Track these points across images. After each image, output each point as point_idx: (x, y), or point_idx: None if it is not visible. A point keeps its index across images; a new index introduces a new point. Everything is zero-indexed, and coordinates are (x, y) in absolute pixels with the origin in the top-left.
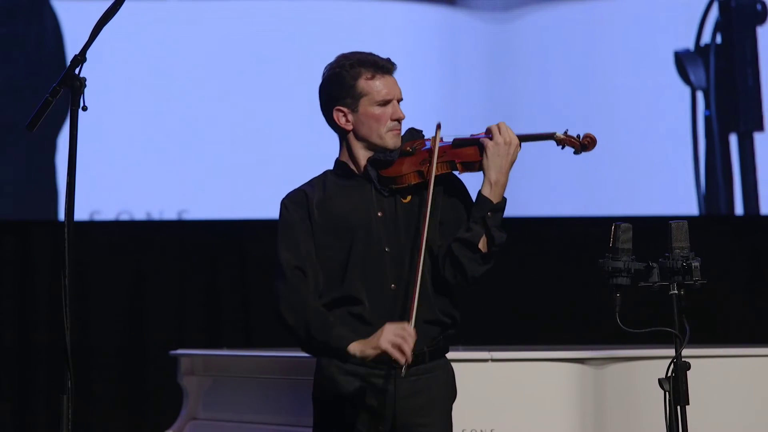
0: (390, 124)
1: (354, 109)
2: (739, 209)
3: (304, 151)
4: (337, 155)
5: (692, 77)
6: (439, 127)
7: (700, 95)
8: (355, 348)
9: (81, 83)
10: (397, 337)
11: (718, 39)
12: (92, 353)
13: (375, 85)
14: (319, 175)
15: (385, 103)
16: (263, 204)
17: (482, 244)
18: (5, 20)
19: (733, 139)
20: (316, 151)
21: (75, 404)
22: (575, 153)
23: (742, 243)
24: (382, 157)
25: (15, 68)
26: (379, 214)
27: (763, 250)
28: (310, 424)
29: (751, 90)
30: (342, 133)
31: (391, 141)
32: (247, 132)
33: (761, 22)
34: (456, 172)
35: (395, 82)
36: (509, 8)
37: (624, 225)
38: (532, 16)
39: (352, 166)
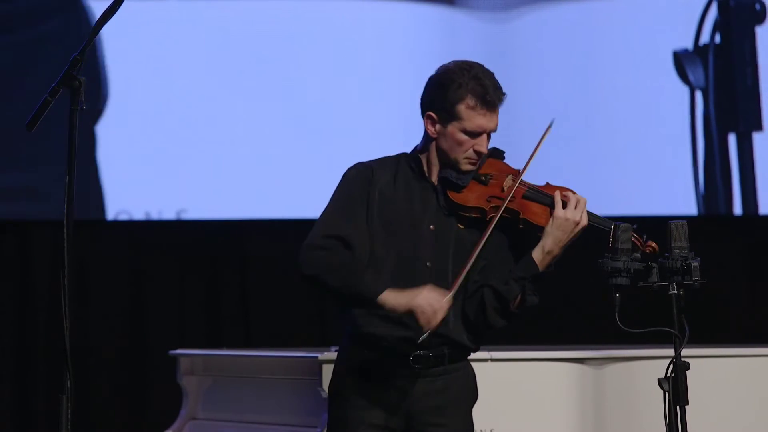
0: (469, 152)
1: (444, 124)
2: (737, 209)
3: (304, 151)
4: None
5: (691, 77)
6: (550, 126)
7: (699, 95)
8: (388, 296)
9: (80, 83)
10: (431, 306)
11: (717, 39)
12: (92, 353)
13: (472, 116)
14: (393, 156)
15: (474, 134)
16: (263, 204)
17: (513, 303)
18: (43, 18)
19: (732, 139)
20: (316, 150)
21: (75, 404)
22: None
23: (741, 243)
24: (454, 178)
25: (53, 65)
26: (432, 227)
27: (761, 249)
28: (310, 423)
29: (750, 90)
30: (427, 134)
31: (465, 168)
32: (247, 132)
33: (760, 21)
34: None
35: (496, 115)
36: (508, 8)
37: (624, 225)
38: (531, 16)
39: (425, 168)
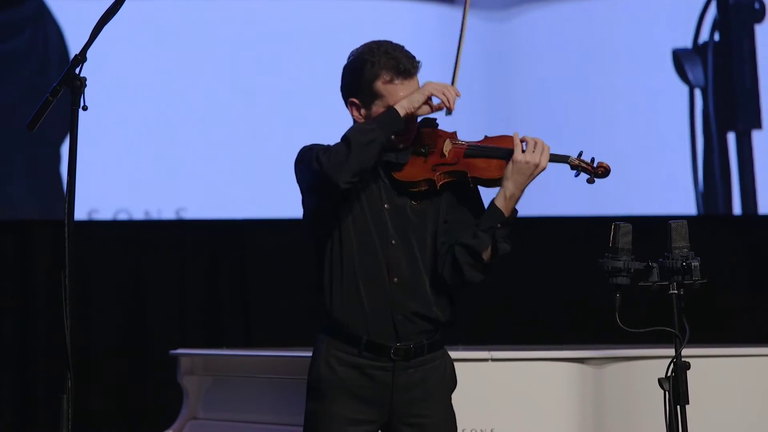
0: None
1: (367, 107)
2: (737, 208)
3: None
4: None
5: (690, 76)
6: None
7: (698, 94)
8: (400, 105)
9: (81, 83)
10: (441, 86)
11: (716, 37)
12: (92, 353)
13: (391, 90)
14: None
15: None
16: (263, 203)
17: (486, 254)
18: (11, 35)
19: (732, 138)
20: None
21: (75, 404)
22: (589, 182)
23: (740, 242)
24: (393, 158)
25: (22, 80)
26: (386, 206)
27: (761, 249)
28: None
29: (749, 88)
30: (355, 121)
31: (399, 145)
32: (247, 132)
33: (759, 20)
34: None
35: (416, 83)
36: (508, 7)
37: (624, 225)
38: (531, 15)
39: None
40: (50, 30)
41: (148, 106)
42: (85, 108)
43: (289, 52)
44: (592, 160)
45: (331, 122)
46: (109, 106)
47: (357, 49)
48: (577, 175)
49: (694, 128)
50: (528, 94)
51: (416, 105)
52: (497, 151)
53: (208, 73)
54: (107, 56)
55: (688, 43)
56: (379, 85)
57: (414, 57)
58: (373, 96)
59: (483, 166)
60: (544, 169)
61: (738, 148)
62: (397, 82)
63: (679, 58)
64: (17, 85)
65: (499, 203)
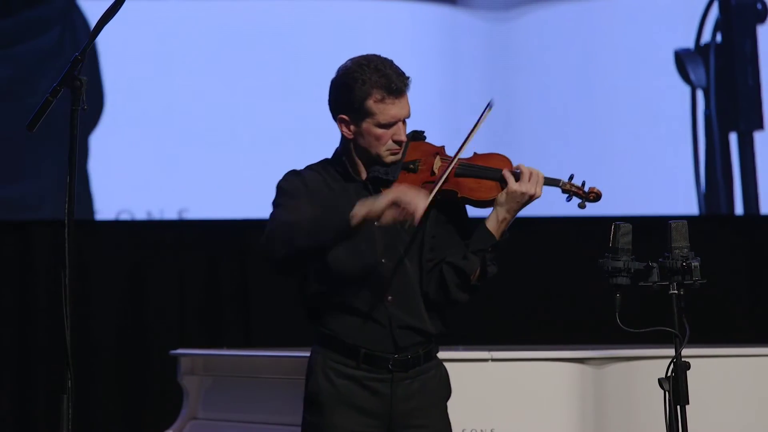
0: (389, 144)
1: (357, 123)
2: (739, 209)
3: (304, 150)
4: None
5: (692, 76)
6: (489, 106)
7: (700, 94)
8: (359, 208)
9: (81, 83)
10: (409, 190)
11: (719, 38)
12: (92, 353)
13: (383, 108)
14: (318, 163)
15: (389, 125)
16: (263, 203)
17: (474, 276)
18: (40, 32)
19: (733, 139)
20: (316, 150)
21: (75, 404)
22: (580, 206)
23: (741, 242)
24: (383, 174)
25: (49, 78)
26: (376, 223)
27: (762, 249)
28: None
29: (751, 89)
30: (344, 137)
31: (388, 160)
32: (248, 131)
33: (761, 21)
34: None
35: (406, 101)
36: (510, 7)
37: (624, 225)
38: (532, 15)
39: (350, 170)
40: (78, 27)
41: (150, 106)
42: (85, 108)
43: (290, 52)
44: (583, 183)
45: (332, 122)
46: (111, 105)
47: (345, 65)
48: (569, 200)
49: (696, 129)
50: (529, 94)
51: (377, 211)
52: (487, 171)
53: (210, 74)
54: (109, 56)
55: (690, 43)
56: (371, 103)
57: (404, 73)
58: (363, 114)
59: (473, 187)
60: (539, 197)
61: (740, 149)
62: (388, 101)
63: (681, 58)
64: (44, 83)
65: (491, 226)
